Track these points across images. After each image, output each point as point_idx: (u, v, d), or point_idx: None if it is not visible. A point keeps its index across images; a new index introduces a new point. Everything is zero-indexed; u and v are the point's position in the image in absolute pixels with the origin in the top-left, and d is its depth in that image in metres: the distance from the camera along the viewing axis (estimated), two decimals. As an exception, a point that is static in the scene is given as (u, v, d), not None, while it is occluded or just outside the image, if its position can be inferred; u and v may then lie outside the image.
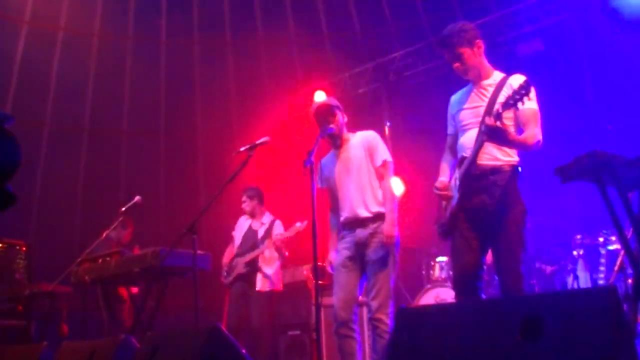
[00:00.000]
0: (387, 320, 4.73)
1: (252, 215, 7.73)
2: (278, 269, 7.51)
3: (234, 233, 7.79)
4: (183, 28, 11.59)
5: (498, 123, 3.72)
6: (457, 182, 4.06)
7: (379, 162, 5.09)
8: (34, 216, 10.72)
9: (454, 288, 4.22)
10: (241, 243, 7.63)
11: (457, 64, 4.14)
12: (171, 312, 8.48)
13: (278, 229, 7.53)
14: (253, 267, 7.38)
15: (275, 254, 7.45)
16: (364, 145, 5.13)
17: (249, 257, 7.38)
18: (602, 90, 8.30)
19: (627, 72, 7.96)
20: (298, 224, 7.25)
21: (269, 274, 7.39)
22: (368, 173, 5.06)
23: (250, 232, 7.66)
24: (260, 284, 7.32)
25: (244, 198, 7.72)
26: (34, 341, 6.88)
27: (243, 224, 7.80)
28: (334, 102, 5.26)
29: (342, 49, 11.43)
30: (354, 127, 5.41)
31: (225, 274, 7.55)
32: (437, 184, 4.26)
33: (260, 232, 7.57)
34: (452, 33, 4.14)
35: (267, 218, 7.70)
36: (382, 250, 4.88)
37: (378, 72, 10.59)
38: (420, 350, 2.80)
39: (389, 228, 4.90)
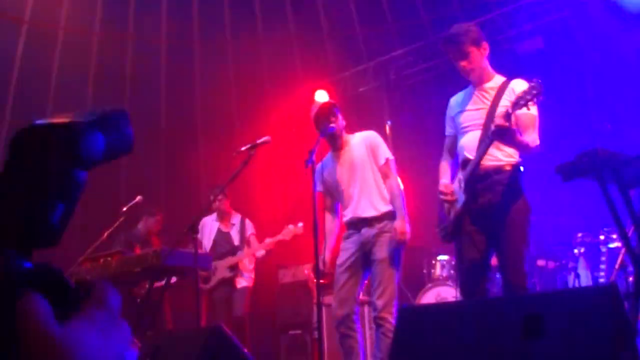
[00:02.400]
0: (391, 319, 4.74)
1: (222, 214, 7.59)
2: (254, 267, 7.57)
3: (198, 236, 7.28)
4: (183, 27, 11.58)
5: (507, 124, 3.74)
6: (462, 184, 4.06)
7: (382, 161, 5.12)
8: (35, 216, 10.71)
9: (461, 291, 4.20)
10: (214, 247, 7.51)
11: (463, 63, 4.14)
12: (172, 312, 8.47)
13: (250, 229, 7.51)
14: (236, 270, 7.37)
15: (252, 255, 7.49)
16: (366, 145, 5.15)
17: (231, 261, 7.32)
18: (603, 88, 8.29)
19: (628, 69, 7.95)
20: (292, 227, 7.17)
21: (247, 273, 7.47)
22: (372, 172, 5.08)
23: (222, 235, 7.54)
24: (240, 283, 7.39)
25: (220, 196, 7.38)
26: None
27: (210, 226, 7.61)
28: (335, 103, 5.29)
29: (342, 48, 11.42)
30: (355, 125, 5.42)
31: (203, 279, 7.33)
32: (442, 188, 4.25)
33: (234, 234, 7.49)
34: (460, 31, 4.15)
35: (235, 218, 7.57)
36: (388, 249, 4.89)
37: (378, 70, 10.58)
38: (422, 349, 2.80)
39: (402, 225, 4.92)
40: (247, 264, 7.48)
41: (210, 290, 7.39)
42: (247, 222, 7.57)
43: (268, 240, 7.33)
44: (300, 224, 7.24)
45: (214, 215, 7.66)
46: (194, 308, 5.53)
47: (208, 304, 7.42)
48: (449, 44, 4.19)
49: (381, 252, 4.89)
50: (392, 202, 5.04)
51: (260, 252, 7.45)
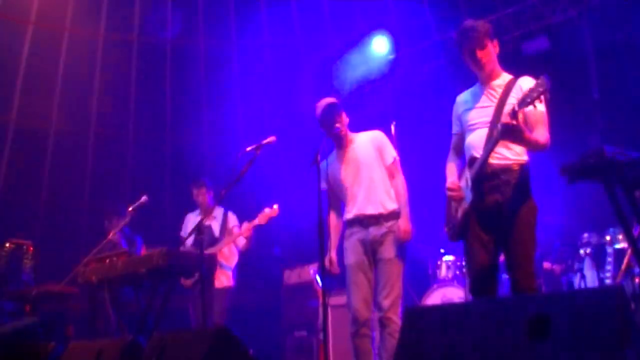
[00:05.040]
0: (397, 319, 4.74)
1: (204, 208, 7.28)
2: (236, 264, 7.24)
3: (182, 234, 7.39)
4: (188, 28, 11.60)
5: (514, 122, 3.72)
6: (470, 183, 4.05)
7: (389, 160, 5.13)
8: (40, 216, 10.74)
9: (471, 291, 4.20)
10: (195, 242, 7.04)
11: (480, 54, 4.12)
12: (178, 312, 8.49)
13: (233, 221, 7.24)
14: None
15: (235, 250, 7.20)
16: (374, 144, 5.17)
17: (210, 252, 6.82)
18: (608, 89, 8.28)
19: (633, 70, 7.93)
20: (267, 210, 6.91)
21: (229, 270, 7.13)
22: (380, 171, 5.09)
23: (204, 229, 7.02)
24: (219, 281, 7.05)
25: (203, 190, 7.30)
26: (41, 341, 6.90)
27: (193, 221, 7.25)
28: (339, 102, 5.26)
29: (347, 48, 11.42)
30: (360, 125, 5.41)
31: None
32: (449, 185, 4.24)
33: (215, 228, 7.25)
34: (477, 24, 4.14)
35: (218, 211, 7.29)
36: (395, 249, 4.89)
37: (384, 70, 10.58)
38: (428, 349, 2.80)
39: (406, 224, 4.92)
40: (226, 264, 7.15)
41: (192, 287, 7.07)
42: (230, 214, 7.30)
43: (245, 226, 7.01)
44: (276, 206, 6.95)
45: (198, 210, 7.44)
46: (202, 308, 5.53)
47: (192, 302, 7.19)
48: (467, 34, 4.14)
49: (388, 251, 4.89)
50: (397, 201, 5.05)
51: (241, 241, 7.11)
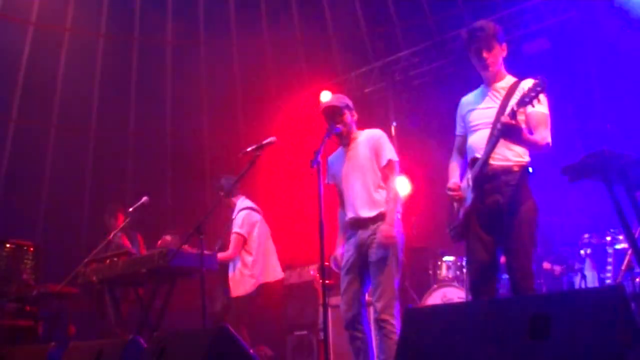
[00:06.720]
0: (392, 320, 4.72)
1: (230, 209, 7.04)
2: (239, 270, 6.87)
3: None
4: (189, 29, 11.60)
5: (513, 121, 3.74)
6: (470, 183, 4.06)
7: (384, 162, 5.01)
8: (41, 217, 10.75)
9: (471, 291, 4.20)
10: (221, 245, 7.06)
11: (486, 54, 4.13)
12: (178, 313, 8.49)
13: (235, 225, 6.90)
14: (223, 270, 6.78)
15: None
16: (370, 144, 5.08)
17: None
18: (609, 89, 8.28)
19: (633, 70, 7.93)
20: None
21: (230, 277, 6.92)
22: (372, 172, 5.01)
23: (227, 230, 7.09)
24: (232, 291, 6.87)
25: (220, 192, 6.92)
26: (42, 341, 6.90)
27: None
28: (343, 101, 5.16)
29: (348, 48, 11.42)
30: (360, 126, 5.39)
31: None
32: (450, 185, 4.25)
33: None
34: (488, 25, 4.16)
35: (235, 212, 7.01)
36: (381, 251, 4.81)
37: (384, 71, 10.58)
38: (428, 350, 2.80)
39: (387, 228, 4.82)
40: (238, 269, 6.90)
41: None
42: (239, 216, 6.94)
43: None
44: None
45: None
46: (202, 308, 5.53)
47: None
48: (476, 33, 4.15)
49: (376, 253, 4.83)
50: (385, 203, 4.94)
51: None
